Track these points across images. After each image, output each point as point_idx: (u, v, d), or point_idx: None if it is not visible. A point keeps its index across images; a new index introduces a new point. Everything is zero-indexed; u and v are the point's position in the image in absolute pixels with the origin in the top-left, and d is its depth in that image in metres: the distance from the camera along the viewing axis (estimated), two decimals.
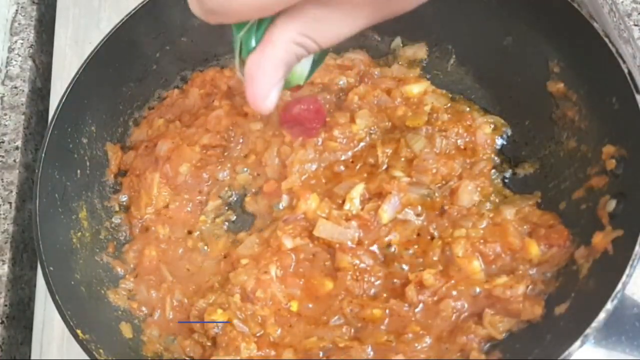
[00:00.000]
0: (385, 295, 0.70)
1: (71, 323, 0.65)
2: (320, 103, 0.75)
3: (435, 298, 0.67)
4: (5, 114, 0.95)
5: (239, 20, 0.47)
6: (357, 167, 0.78)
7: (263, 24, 0.49)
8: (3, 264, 0.85)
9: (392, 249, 0.72)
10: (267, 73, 0.48)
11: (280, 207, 0.77)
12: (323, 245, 0.73)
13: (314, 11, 0.46)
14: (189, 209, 0.80)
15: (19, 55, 1.01)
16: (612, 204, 0.63)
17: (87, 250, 0.76)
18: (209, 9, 0.45)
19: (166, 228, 0.79)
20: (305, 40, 0.48)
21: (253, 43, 0.50)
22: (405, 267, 0.71)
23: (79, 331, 0.65)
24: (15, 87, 0.98)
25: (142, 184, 0.81)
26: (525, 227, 0.69)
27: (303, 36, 0.48)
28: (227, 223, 0.80)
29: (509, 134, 0.78)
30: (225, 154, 0.82)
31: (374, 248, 0.72)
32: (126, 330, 0.72)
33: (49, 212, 0.72)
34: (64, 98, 0.75)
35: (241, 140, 0.82)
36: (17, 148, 0.93)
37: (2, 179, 0.90)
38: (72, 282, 0.71)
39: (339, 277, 0.71)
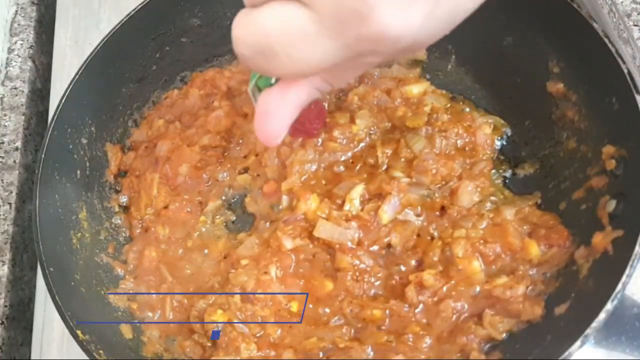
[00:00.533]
0: (385, 295, 0.70)
1: (71, 323, 0.65)
2: (320, 103, 0.75)
3: (435, 298, 0.67)
4: (5, 115, 0.95)
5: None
6: (357, 167, 0.78)
7: None
8: (3, 264, 0.85)
9: (392, 250, 0.72)
10: (285, 114, 0.49)
11: (280, 207, 0.77)
12: (323, 245, 0.73)
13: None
14: (188, 209, 0.80)
15: (19, 56, 1.01)
16: (612, 204, 0.63)
17: (87, 251, 0.76)
18: (252, 64, 0.46)
19: (166, 229, 0.79)
20: (324, 85, 0.49)
21: (273, 79, 0.50)
22: (405, 267, 0.71)
23: (79, 332, 0.65)
24: (15, 88, 0.98)
25: (142, 184, 0.81)
26: (525, 227, 0.69)
27: (324, 81, 0.49)
28: (227, 224, 0.80)
29: (509, 134, 0.78)
30: (225, 154, 0.82)
31: (374, 248, 0.72)
32: (126, 331, 0.72)
33: (49, 213, 0.72)
34: (64, 98, 0.75)
35: (241, 141, 0.82)
36: (17, 149, 0.93)
37: (2, 180, 0.90)
38: (72, 283, 0.71)
39: (339, 277, 0.71)
